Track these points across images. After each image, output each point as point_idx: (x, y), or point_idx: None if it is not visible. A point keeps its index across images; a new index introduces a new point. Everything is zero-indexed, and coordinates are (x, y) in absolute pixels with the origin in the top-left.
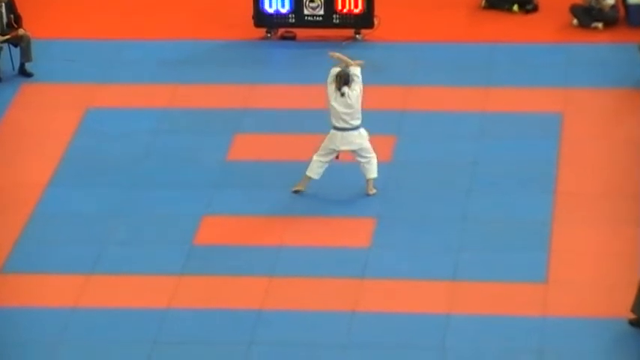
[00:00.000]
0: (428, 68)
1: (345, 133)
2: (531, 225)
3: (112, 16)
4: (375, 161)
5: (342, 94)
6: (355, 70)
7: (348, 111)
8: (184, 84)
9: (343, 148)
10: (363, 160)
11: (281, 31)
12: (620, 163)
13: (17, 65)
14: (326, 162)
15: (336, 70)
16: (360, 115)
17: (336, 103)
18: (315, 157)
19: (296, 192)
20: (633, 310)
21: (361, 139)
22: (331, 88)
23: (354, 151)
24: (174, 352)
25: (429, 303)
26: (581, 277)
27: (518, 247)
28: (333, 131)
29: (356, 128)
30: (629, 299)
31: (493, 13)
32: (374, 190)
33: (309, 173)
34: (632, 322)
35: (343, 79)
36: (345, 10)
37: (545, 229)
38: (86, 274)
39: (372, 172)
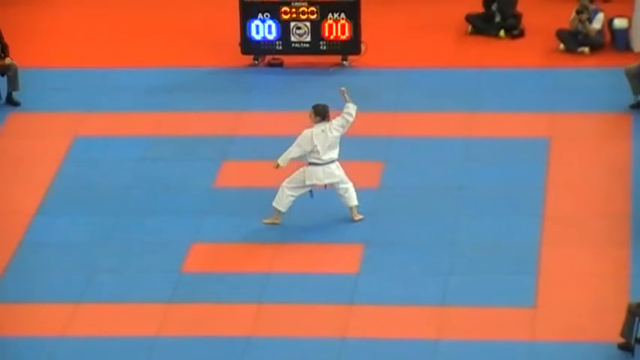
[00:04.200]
0: (415, 94)
1: (326, 167)
2: (519, 249)
3: (98, 45)
4: (352, 188)
5: (322, 131)
6: (352, 109)
7: (332, 147)
8: (172, 111)
9: (327, 181)
10: (341, 190)
11: (268, 58)
12: (607, 187)
13: (4, 94)
14: (297, 196)
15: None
16: (338, 147)
17: (317, 140)
18: (287, 192)
19: (272, 224)
20: (622, 334)
21: (339, 170)
22: (309, 130)
23: (334, 184)
24: None
25: (418, 328)
26: (570, 300)
27: (507, 272)
28: (312, 167)
29: (334, 161)
30: (619, 323)
31: (480, 39)
32: (359, 216)
33: (280, 207)
34: (621, 346)
35: (321, 114)
36: (332, 37)
37: (534, 253)
38: (74, 303)
39: (353, 199)
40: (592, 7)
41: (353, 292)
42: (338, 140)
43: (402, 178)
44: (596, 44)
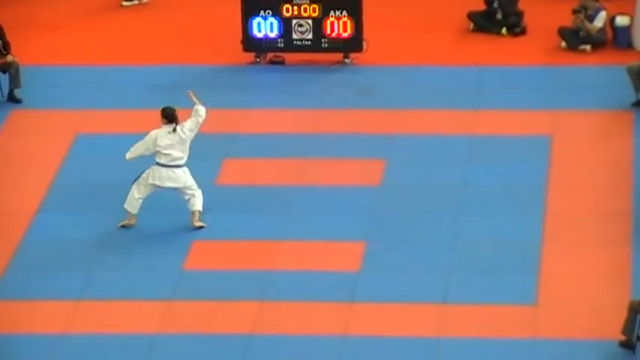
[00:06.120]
0: (416, 91)
1: (171, 170)
2: (521, 247)
3: (100, 42)
4: (199, 195)
5: (174, 130)
6: (202, 111)
7: (181, 149)
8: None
9: (169, 184)
10: (187, 196)
11: (270, 55)
12: (608, 185)
13: (6, 92)
14: (144, 197)
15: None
16: (187, 152)
17: (162, 142)
18: (136, 195)
19: (124, 227)
20: (624, 332)
21: (186, 175)
22: (155, 131)
23: (177, 189)
24: None
25: (419, 326)
26: (571, 298)
27: (508, 270)
28: (156, 167)
29: (182, 166)
30: (620, 321)
31: (481, 36)
32: (200, 223)
33: (130, 209)
34: (622, 344)
35: (168, 117)
36: (333, 35)
37: (535, 251)
38: (75, 300)
39: (197, 205)
40: (595, 5)
41: (354, 289)
42: (188, 144)
43: (403, 176)
44: (597, 42)
